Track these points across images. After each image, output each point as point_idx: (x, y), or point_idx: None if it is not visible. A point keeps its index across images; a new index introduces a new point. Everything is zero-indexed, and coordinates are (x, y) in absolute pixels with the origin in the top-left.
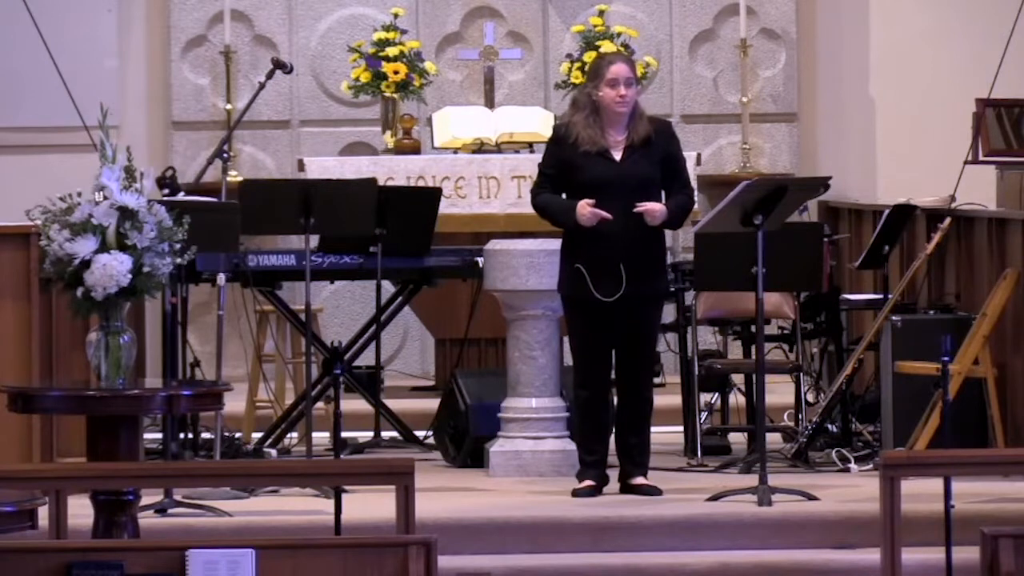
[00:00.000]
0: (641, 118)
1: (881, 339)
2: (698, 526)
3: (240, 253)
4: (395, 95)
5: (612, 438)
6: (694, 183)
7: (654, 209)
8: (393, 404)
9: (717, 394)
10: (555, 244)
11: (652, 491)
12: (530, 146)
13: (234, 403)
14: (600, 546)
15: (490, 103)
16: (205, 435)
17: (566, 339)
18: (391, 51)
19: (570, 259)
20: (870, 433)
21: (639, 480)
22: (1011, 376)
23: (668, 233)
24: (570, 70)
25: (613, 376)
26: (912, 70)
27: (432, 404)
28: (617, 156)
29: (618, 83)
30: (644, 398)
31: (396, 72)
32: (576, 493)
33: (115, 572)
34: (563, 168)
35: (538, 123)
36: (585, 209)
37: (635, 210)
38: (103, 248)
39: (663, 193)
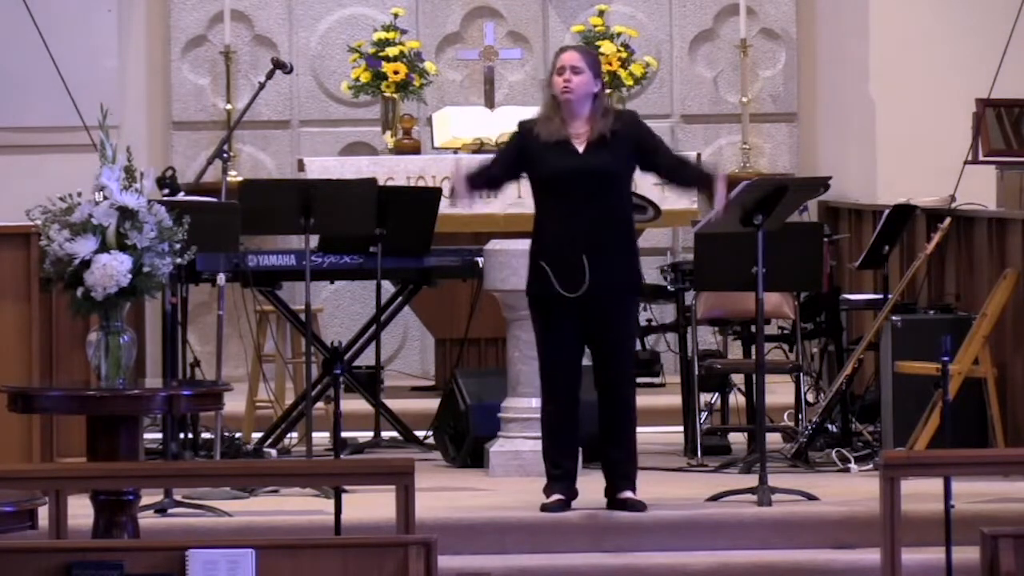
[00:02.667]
0: (606, 113)
1: (881, 339)
2: (698, 526)
3: (240, 253)
4: (395, 95)
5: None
6: None
7: (720, 196)
8: (393, 404)
9: (717, 394)
10: None
11: (638, 506)
12: None
13: (234, 403)
14: (600, 546)
15: (490, 103)
16: (205, 435)
17: None
18: (391, 51)
19: (535, 257)
20: (870, 433)
21: (627, 495)
22: (1011, 376)
23: (666, 233)
24: None
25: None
26: (912, 70)
27: (432, 404)
28: (580, 148)
29: (564, 70)
30: (625, 406)
31: (396, 72)
32: (545, 508)
33: (115, 572)
34: (523, 159)
35: None
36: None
37: (718, 200)
38: (103, 248)
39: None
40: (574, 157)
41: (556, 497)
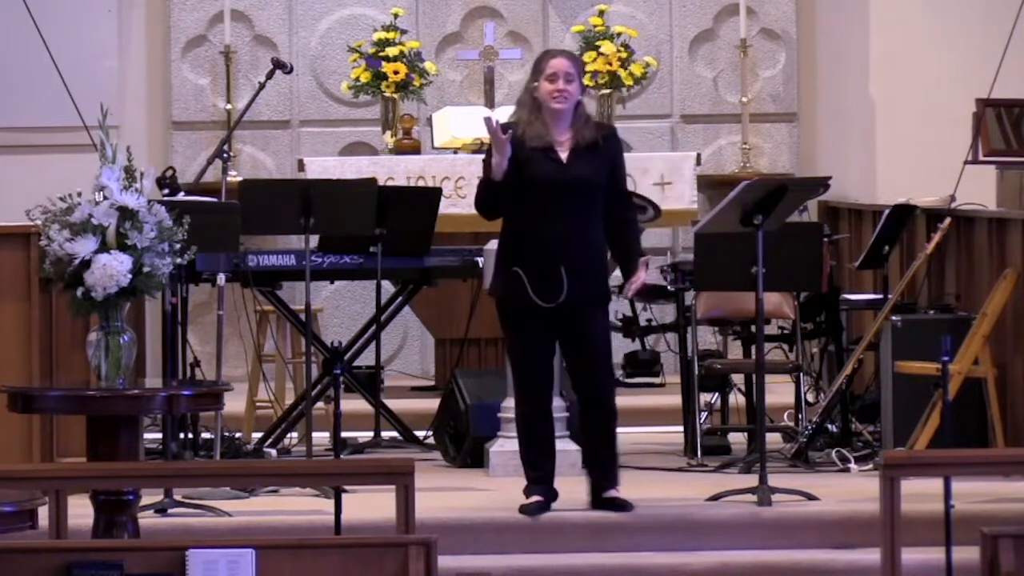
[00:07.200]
0: (587, 121)
1: (881, 339)
2: (698, 526)
3: (240, 253)
4: (395, 95)
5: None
6: (694, 183)
7: (638, 280)
8: (393, 404)
9: (717, 394)
10: None
11: (624, 505)
12: None
13: (234, 403)
14: (600, 546)
15: (490, 103)
16: (205, 435)
17: None
18: (391, 51)
19: (507, 262)
20: (870, 433)
21: (612, 493)
22: (1011, 376)
23: (666, 233)
24: None
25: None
26: (912, 70)
27: (432, 404)
28: (563, 156)
29: (557, 77)
30: (606, 410)
31: (396, 72)
32: (523, 510)
33: (115, 572)
34: (515, 162)
35: None
36: (490, 124)
37: (629, 295)
38: (103, 248)
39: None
40: (558, 166)
41: (535, 498)
